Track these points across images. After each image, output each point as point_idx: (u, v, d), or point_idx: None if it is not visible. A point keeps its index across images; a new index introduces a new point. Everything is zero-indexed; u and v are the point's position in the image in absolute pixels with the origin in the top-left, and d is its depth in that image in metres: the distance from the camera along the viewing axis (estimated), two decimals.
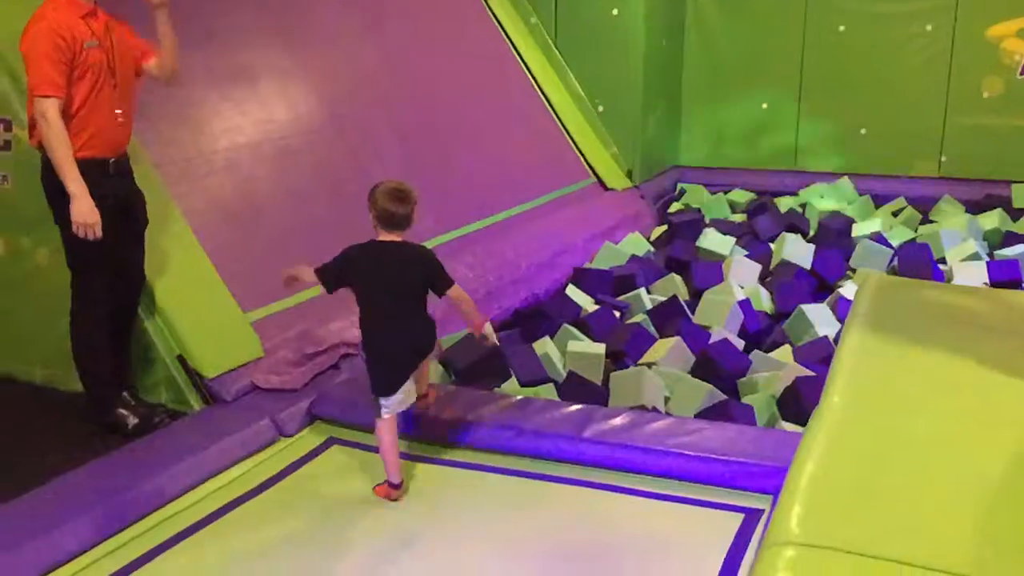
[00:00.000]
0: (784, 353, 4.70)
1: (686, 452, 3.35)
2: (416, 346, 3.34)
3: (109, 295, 3.66)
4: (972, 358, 2.32)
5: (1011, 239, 6.47)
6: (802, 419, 3.25)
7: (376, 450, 3.39)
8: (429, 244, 5.20)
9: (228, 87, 4.92)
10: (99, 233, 3.41)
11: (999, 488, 1.70)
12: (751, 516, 3.10)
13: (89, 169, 3.42)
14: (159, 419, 3.73)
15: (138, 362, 3.93)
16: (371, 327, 3.31)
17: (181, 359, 3.91)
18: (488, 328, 3.46)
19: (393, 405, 3.28)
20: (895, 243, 6.33)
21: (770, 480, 3.12)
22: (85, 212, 3.37)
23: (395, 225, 3.23)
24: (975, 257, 5.94)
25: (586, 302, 5.44)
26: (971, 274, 5.59)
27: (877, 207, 7.68)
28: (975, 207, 7.46)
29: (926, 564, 1.45)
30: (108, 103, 3.51)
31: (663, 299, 5.31)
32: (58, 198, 3.46)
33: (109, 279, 3.63)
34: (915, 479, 1.72)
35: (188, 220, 4.18)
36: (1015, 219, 6.99)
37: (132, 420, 3.68)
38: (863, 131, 8.24)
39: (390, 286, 3.24)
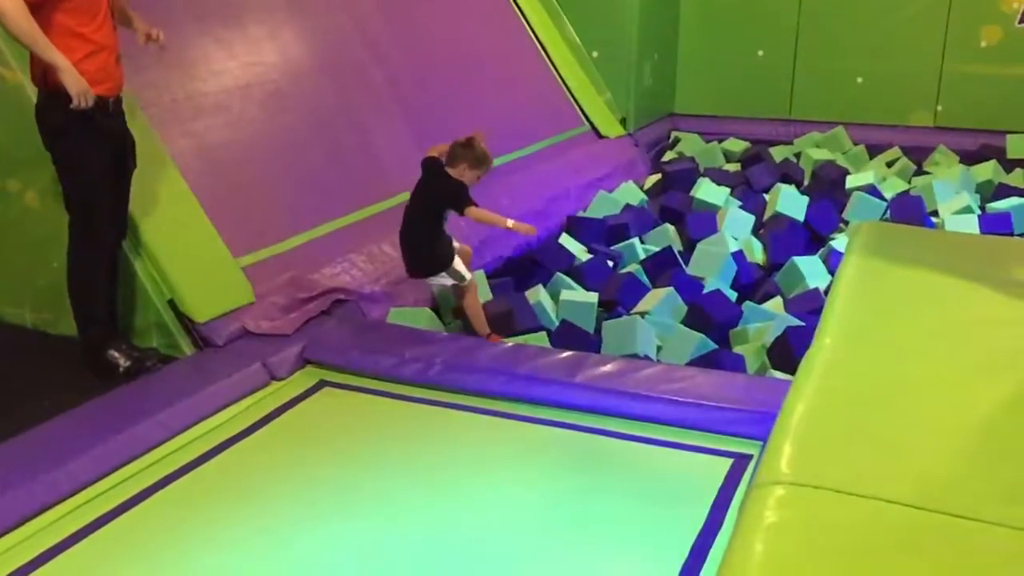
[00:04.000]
0: (776, 304, 4.71)
1: (676, 398, 3.37)
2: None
3: (108, 235, 3.64)
4: (964, 303, 2.33)
5: (1003, 191, 6.46)
6: (792, 368, 3.26)
7: (368, 391, 3.67)
8: None
9: (217, 28, 4.83)
10: (92, 99, 3.35)
11: (989, 430, 1.71)
12: (740, 461, 3.13)
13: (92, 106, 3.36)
14: (151, 363, 3.73)
15: (129, 306, 3.91)
16: None
17: (172, 303, 3.89)
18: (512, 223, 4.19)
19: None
20: (888, 195, 6.30)
21: (759, 426, 3.13)
22: (77, 79, 3.31)
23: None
24: (967, 210, 5.92)
25: (579, 251, 5.42)
26: (963, 227, 5.58)
27: (872, 156, 7.65)
28: (970, 157, 7.42)
29: (914, 503, 1.47)
30: (112, 40, 3.47)
31: (657, 249, 5.30)
32: (58, 136, 3.42)
33: (108, 218, 3.61)
34: (905, 421, 1.73)
35: (177, 164, 4.14)
36: (1009, 170, 6.97)
37: (124, 363, 3.67)
38: (859, 80, 8.17)
39: None
